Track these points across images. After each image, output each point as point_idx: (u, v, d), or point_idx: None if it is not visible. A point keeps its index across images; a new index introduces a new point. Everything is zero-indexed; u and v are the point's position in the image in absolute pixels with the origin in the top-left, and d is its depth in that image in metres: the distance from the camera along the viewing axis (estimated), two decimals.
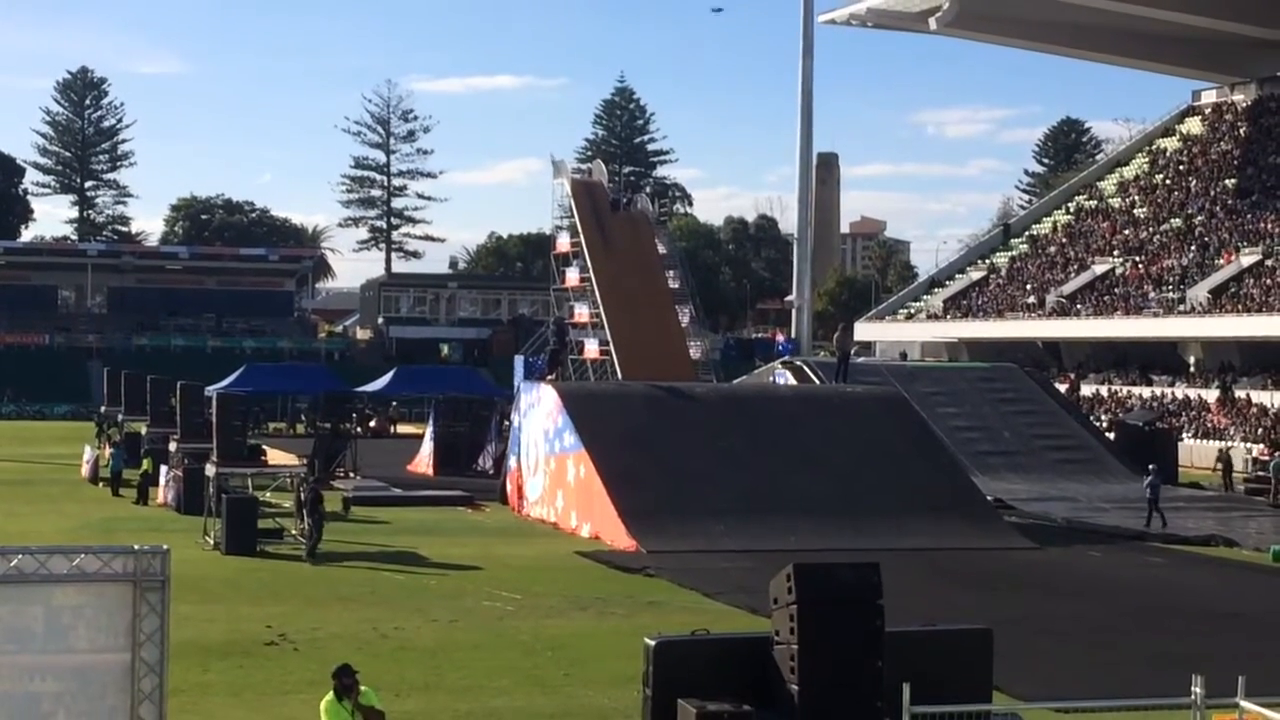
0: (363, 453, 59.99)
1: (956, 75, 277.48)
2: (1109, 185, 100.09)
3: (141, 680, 12.56)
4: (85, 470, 55.73)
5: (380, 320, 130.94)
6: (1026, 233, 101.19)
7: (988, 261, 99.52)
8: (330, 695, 14.97)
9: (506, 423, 55.47)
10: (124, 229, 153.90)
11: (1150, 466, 47.26)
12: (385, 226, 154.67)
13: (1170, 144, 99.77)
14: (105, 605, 12.49)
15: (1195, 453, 66.25)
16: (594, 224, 61.57)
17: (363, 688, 15.05)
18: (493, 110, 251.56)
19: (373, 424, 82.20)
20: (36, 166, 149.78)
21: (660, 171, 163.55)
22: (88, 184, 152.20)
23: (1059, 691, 20.58)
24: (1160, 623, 28.77)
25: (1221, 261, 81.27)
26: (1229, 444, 67.37)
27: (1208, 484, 57.11)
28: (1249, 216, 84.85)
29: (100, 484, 52.75)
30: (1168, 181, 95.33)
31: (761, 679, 15.24)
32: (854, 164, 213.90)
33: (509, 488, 47.79)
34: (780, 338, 72.21)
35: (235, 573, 33.28)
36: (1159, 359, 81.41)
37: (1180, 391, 76.80)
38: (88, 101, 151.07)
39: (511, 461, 48.14)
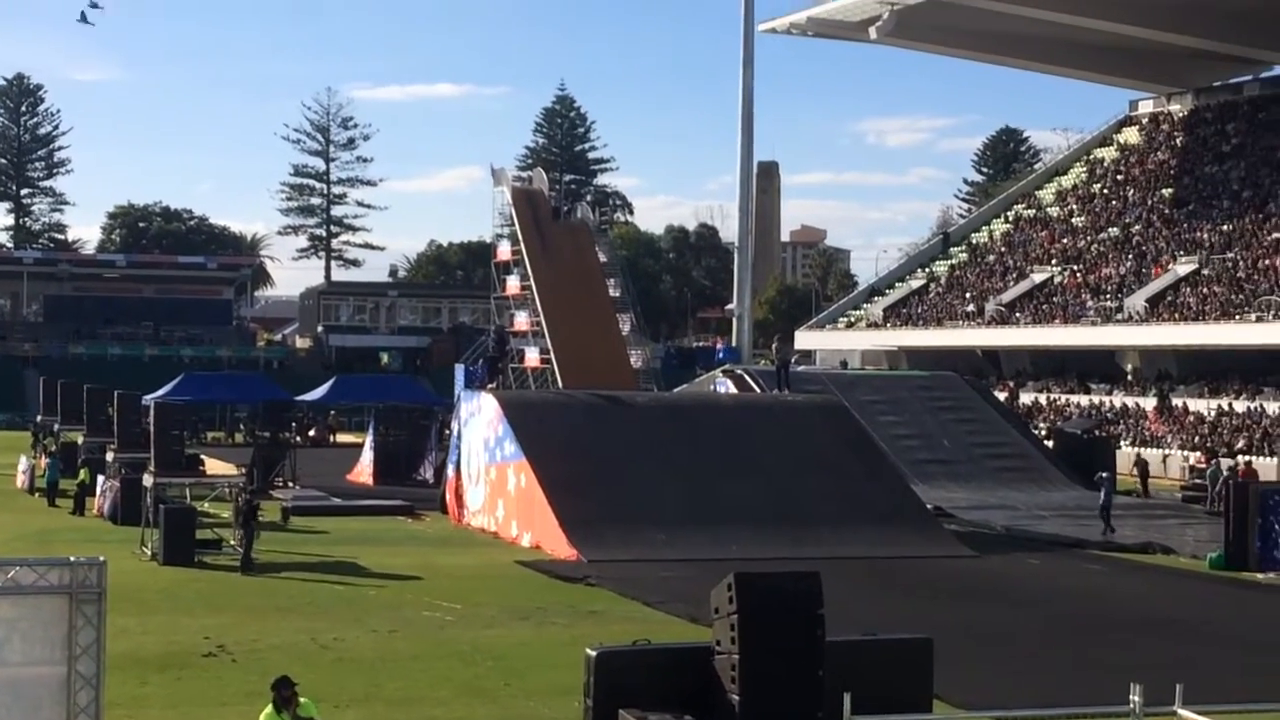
0: (302, 462, 59.64)
1: (896, 85, 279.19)
2: (1047, 194, 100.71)
3: (78, 694, 12.46)
4: (21, 480, 55.27)
5: (320, 329, 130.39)
6: (965, 241, 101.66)
7: (927, 270, 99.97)
8: (269, 707, 14.90)
9: (447, 431, 55.37)
10: (60, 237, 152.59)
11: (1101, 475, 47.57)
12: (325, 234, 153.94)
13: (1108, 154, 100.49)
14: (40, 618, 12.39)
15: (1134, 461, 66.65)
16: (534, 232, 61.45)
17: (302, 699, 14.98)
18: (433, 118, 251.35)
19: (312, 433, 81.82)
20: None
21: (601, 180, 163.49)
22: (23, 191, 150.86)
23: (999, 700, 20.63)
24: (1099, 630, 28.93)
25: (1153, 272, 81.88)
26: (1165, 451, 67.97)
27: (1134, 492, 57.46)
28: (1185, 226, 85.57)
29: (36, 494, 52.31)
30: (1105, 191, 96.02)
31: (703, 689, 15.25)
32: (794, 172, 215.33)
33: (448, 497, 47.65)
34: (720, 344, 72.17)
35: (173, 584, 33.05)
36: (1097, 367, 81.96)
37: (1118, 400, 77.32)
38: (24, 108, 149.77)
39: (450, 470, 48.00)
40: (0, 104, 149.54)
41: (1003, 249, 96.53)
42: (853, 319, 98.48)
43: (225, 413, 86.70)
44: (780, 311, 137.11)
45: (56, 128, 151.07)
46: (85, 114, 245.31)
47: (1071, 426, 65.88)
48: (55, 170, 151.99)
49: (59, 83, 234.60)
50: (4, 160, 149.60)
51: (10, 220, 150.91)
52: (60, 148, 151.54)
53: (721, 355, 64.49)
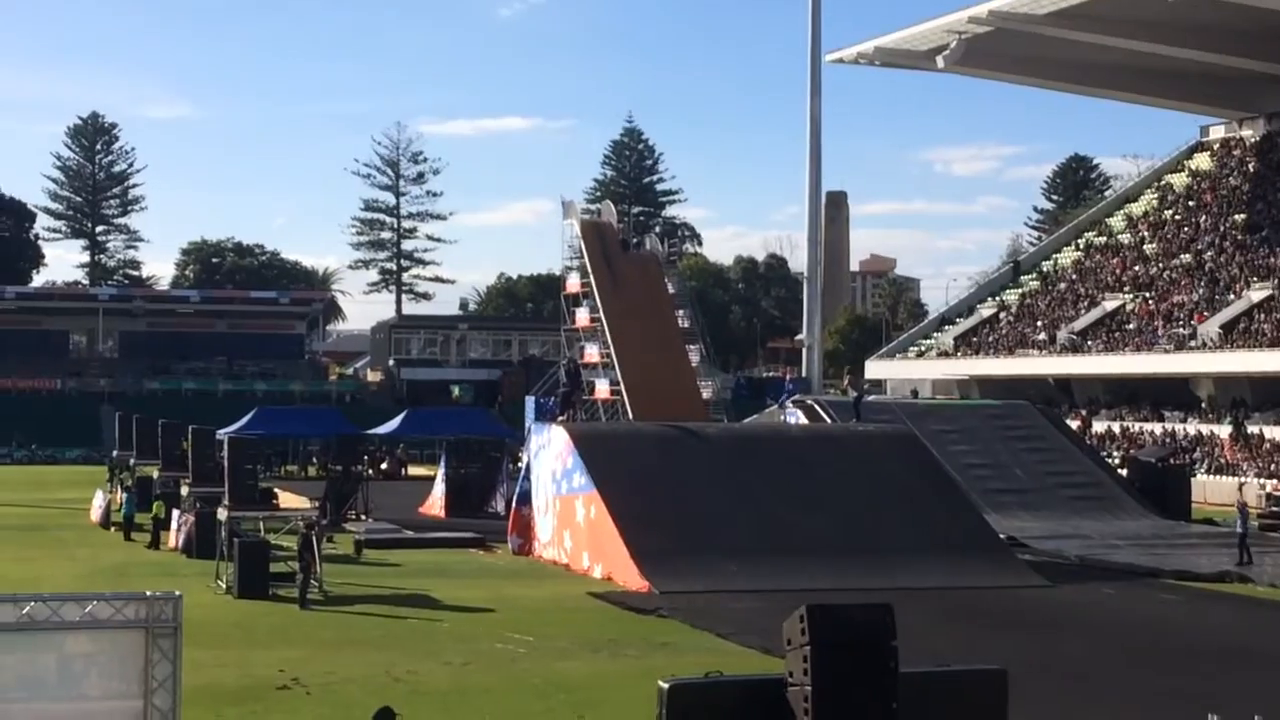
0: (374, 495, 59.95)
1: (964, 113, 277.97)
2: (1118, 221, 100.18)
3: None
4: (96, 515, 55.74)
5: (391, 362, 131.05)
6: (1036, 270, 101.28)
7: (998, 299, 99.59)
8: None
9: (514, 464, 55.47)
10: (135, 273, 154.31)
11: (1241, 502, 47.00)
12: (395, 268, 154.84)
13: (1179, 180, 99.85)
14: (117, 652, 12.49)
15: (1209, 489, 66.13)
16: (604, 264, 61.52)
17: None
18: (502, 151, 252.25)
19: (384, 466, 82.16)
20: (47, 212, 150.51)
21: (669, 211, 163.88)
22: (98, 228, 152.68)
23: None
24: (1175, 660, 28.66)
25: (1232, 297, 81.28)
26: (1241, 479, 67.25)
27: (1222, 520, 56.89)
28: (1259, 251, 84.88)
29: (113, 529, 52.76)
30: (1177, 217, 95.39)
31: None
32: (863, 202, 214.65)
33: (509, 529, 47.53)
34: (789, 378, 71.67)
35: (247, 617, 33.23)
36: (1171, 395, 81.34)
37: (1193, 427, 76.70)
38: (98, 146, 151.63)
39: (516, 502, 48.04)
40: (75, 142, 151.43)
41: (1074, 277, 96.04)
42: (923, 348, 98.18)
43: (298, 446, 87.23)
44: (850, 341, 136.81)
45: (130, 165, 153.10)
46: (158, 151, 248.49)
47: (1146, 455, 65.34)
48: (129, 207, 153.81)
49: (132, 121, 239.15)
50: (79, 198, 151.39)
51: (86, 257, 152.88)
52: (134, 185, 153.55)
53: (787, 389, 64.01)
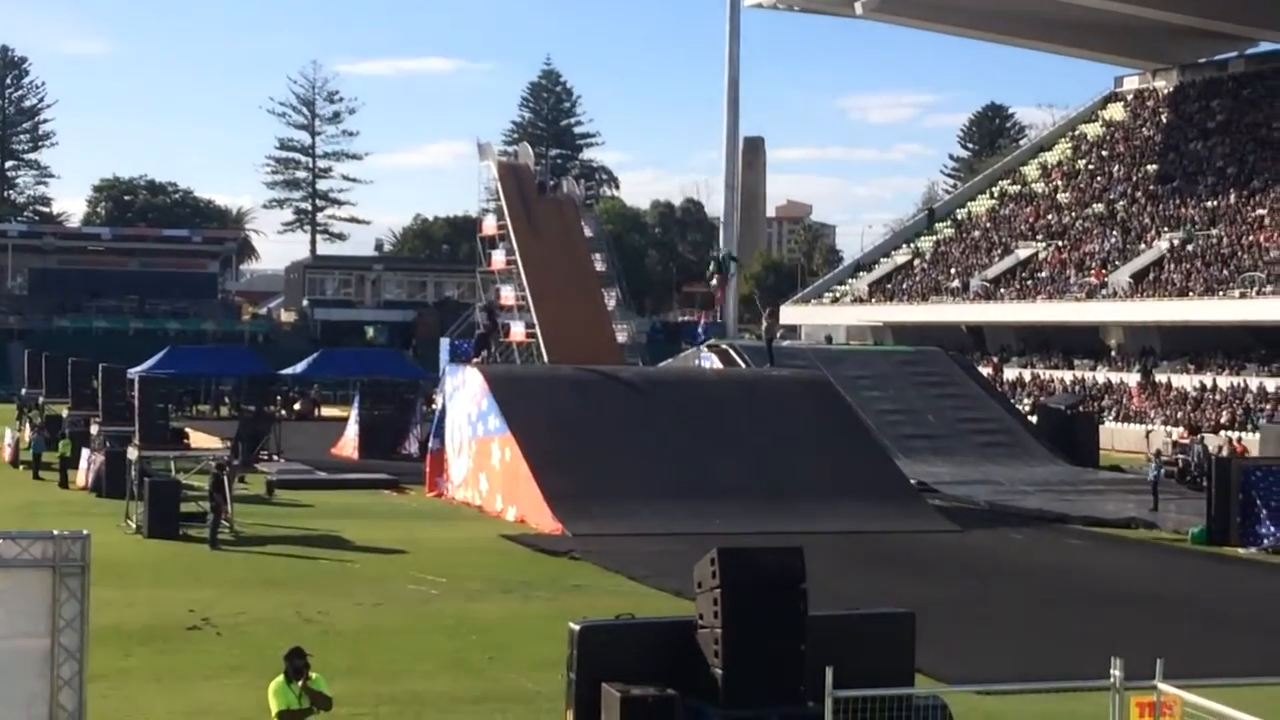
0: (286, 436, 59.60)
1: (882, 60, 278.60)
2: (1032, 170, 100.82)
3: (61, 666, 12.48)
4: (5, 453, 55.23)
5: (305, 302, 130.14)
6: (951, 217, 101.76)
7: (912, 246, 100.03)
8: (280, 677, 14.90)
9: (429, 406, 55.28)
10: (45, 210, 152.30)
11: (1155, 451, 47.80)
12: (310, 208, 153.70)
13: (1093, 130, 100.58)
14: (24, 591, 12.39)
15: (1116, 436, 66.89)
16: (520, 206, 61.26)
17: (313, 674, 14.96)
18: (421, 93, 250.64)
19: (297, 407, 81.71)
20: None
21: (587, 154, 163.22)
22: (8, 164, 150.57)
23: (981, 674, 20.70)
24: (1081, 605, 29.05)
25: (1143, 246, 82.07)
26: (1149, 427, 68.05)
27: (1129, 467, 57.59)
28: (1170, 202, 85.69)
29: (21, 467, 52.30)
30: (1090, 167, 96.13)
31: (686, 663, 15.27)
32: (780, 147, 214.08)
33: (432, 470, 47.55)
34: (702, 321, 71.42)
35: (157, 557, 33.06)
36: (1081, 343, 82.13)
37: (1102, 375, 77.50)
38: (8, 81, 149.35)
39: (433, 444, 48.00)
40: None
41: (988, 225, 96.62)
42: (838, 294, 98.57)
43: (210, 386, 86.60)
44: (766, 286, 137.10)
45: (42, 100, 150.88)
46: (71, 87, 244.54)
47: (1055, 402, 65.97)
48: (40, 143, 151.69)
49: (45, 55, 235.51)
50: None
51: None
52: (45, 120, 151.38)
53: (702, 335, 63.85)
